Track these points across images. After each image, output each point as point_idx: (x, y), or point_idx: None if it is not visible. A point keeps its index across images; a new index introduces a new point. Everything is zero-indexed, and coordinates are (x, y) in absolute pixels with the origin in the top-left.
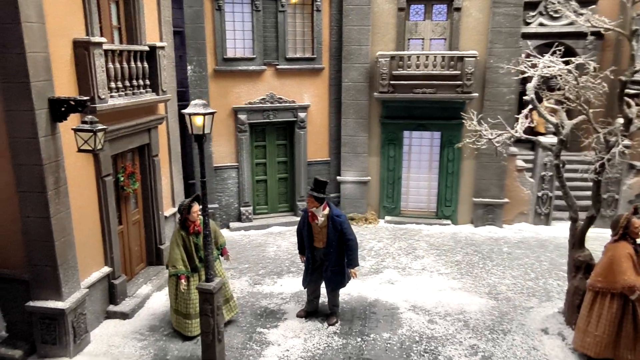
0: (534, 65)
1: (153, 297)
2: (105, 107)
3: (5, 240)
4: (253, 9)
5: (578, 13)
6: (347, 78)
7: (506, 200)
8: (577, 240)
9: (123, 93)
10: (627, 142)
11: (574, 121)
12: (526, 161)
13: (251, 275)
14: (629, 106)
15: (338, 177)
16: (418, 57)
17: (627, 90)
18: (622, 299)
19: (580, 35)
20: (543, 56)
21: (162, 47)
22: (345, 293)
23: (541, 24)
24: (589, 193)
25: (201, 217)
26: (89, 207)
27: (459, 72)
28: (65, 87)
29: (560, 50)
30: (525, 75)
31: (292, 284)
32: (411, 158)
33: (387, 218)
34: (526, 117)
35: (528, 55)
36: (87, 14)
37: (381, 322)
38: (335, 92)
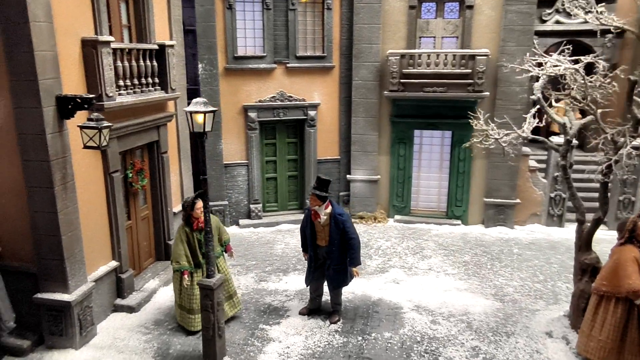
0: (539, 65)
1: (160, 291)
2: (113, 104)
3: (15, 234)
4: (264, 8)
5: (594, 11)
6: (357, 76)
7: (518, 200)
8: (584, 242)
9: (132, 91)
10: (637, 142)
11: (582, 121)
12: (539, 161)
13: (257, 272)
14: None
15: (348, 176)
16: (429, 55)
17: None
18: (627, 303)
19: (598, 33)
20: (550, 55)
21: (172, 46)
22: (349, 292)
23: (558, 22)
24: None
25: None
26: (97, 203)
27: (470, 70)
28: (73, 85)
29: (569, 49)
30: (541, 74)
31: (297, 282)
32: (422, 157)
33: (397, 217)
34: (534, 116)
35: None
36: (96, 14)
37: (383, 321)
38: (345, 90)
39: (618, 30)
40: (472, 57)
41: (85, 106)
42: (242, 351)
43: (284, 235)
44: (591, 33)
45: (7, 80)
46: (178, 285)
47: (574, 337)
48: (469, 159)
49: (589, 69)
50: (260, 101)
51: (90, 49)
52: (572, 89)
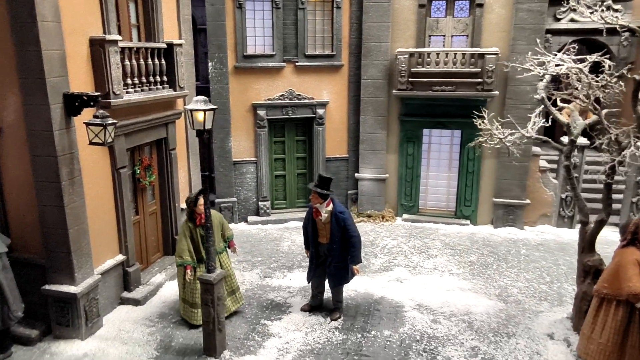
0: (541, 64)
1: (166, 285)
2: (120, 102)
3: (25, 227)
4: (273, 7)
5: (598, 10)
6: (366, 75)
7: (528, 201)
8: (587, 244)
9: (139, 89)
10: None
11: (587, 121)
12: (551, 162)
13: (262, 269)
14: None
15: (356, 174)
16: (437, 54)
17: None
18: (628, 306)
19: (614, 32)
20: (555, 54)
21: (180, 45)
22: (352, 289)
23: (572, 20)
24: (620, 196)
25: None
26: (105, 198)
27: (479, 69)
28: (81, 83)
29: (574, 47)
30: (541, 73)
31: (301, 279)
32: (430, 156)
33: (405, 216)
34: (538, 116)
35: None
36: (104, 13)
37: (384, 319)
38: (354, 89)
39: (624, 29)
40: (482, 55)
41: (91, 103)
42: (242, 345)
43: (291, 232)
44: (607, 31)
45: (17, 78)
46: (182, 280)
47: (576, 339)
48: (478, 159)
49: (598, 68)
50: (269, 99)
51: (97, 47)
52: (576, 88)
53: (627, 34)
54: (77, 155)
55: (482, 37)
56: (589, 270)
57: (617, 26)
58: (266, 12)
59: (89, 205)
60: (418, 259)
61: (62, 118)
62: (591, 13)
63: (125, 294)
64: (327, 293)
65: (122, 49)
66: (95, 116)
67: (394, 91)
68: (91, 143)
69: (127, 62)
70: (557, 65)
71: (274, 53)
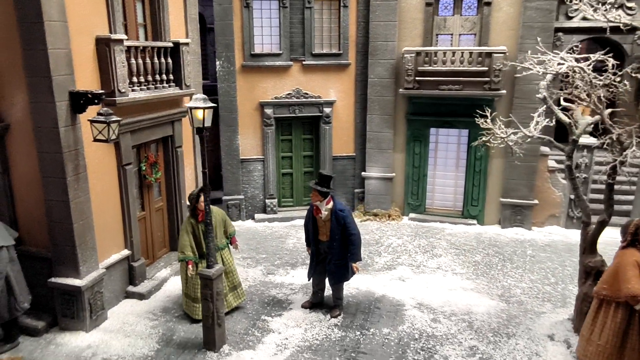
0: (540, 62)
1: (170, 280)
2: (125, 100)
3: (32, 221)
4: (280, 6)
5: (600, 7)
6: (373, 74)
7: (536, 201)
8: (589, 245)
9: (145, 87)
10: None
11: (589, 121)
12: (560, 162)
13: (266, 265)
14: None
15: (363, 173)
16: (444, 53)
17: None
18: (628, 308)
19: (628, 30)
20: (557, 53)
21: (186, 44)
22: (354, 287)
23: (584, 18)
24: (631, 197)
25: (211, 206)
26: (110, 194)
27: (486, 68)
28: (87, 81)
29: (577, 46)
30: (541, 72)
31: (304, 276)
32: (437, 155)
33: (411, 215)
34: (541, 115)
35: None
36: (110, 13)
37: (384, 317)
38: (361, 87)
39: (628, 27)
40: (489, 54)
41: (96, 101)
42: (241, 340)
43: (297, 230)
44: (619, 30)
45: (24, 76)
46: (184, 275)
47: (576, 340)
48: (485, 158)
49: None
50: (276, 98)
51: (103, 46)
52: (576, 87)
53: None
54: (83, 152)
55: (490, 35)
56: (590, 272)
57: (621, 25)
58: (273, 11)
59: (95, 200)
60: (422, 258)
61: (68, 115)
62: (594, 11)
63: (131, 288)
64: (329, 290)
65: (128, 47)
66: (99, 113)
67: (400, 90)
68: (95, 140)
69: (132, 60)
70: (559, 64)
71: (281, 52)
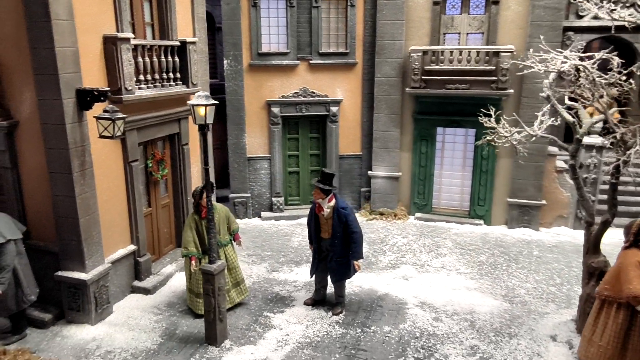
0: (542, 60)
1: (175, 276)
2: (132, 97)
3: (40, 216)
4: (287, 5)
5: (605, 5)
6: (379, 73)
7: (543, 202)
8: (592, 245)
9: (152, 85)
10: None
11: (593, 120)
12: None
13: (271, 263)
14: None
15: (369, 172)
16: (451, 52)
17: None
18: (630, 309)
19: (634, 29)
20: (560, 51)
21: (193, 42)
22: (357, 285)
23: (595, 17)
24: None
25: (214, 203)
26: (117, 190)
27: (494, 67)
28: (95, 79)
29: (582, 45)
30: (542, 70)
31: (308, 274)
32: (444, 155)
33: (417, 215)
34: (545, 114)
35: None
36: (117, 12)
37: (385, 315)
38: (368, 87)
39: (633, 26)
40: (496, 53)
41: (102, 98)
42: (243, 336)
43: (302, 228)
44: (633, 29)
45: (32, 74)
46: (188, 270)
47: (579, 341)
48: (492, 158)
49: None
50: (283, 97)
51: (110, 45)
52: (579, 86)
53: None
54: (89, 148)
55: (498, 34)
56: (594, 272)
57: (626, 23)
58: (280, 11)
59: (101, 196)
60: (426, 257)
61: (75, 112)
62: (599, 9)
63: (136, 283)
64: (331, 288)
65: (135, 46)
66: (105, 110)
67: (407, 89)
68: (101, 136)
69: (140, 59)
70: (562, 63)
71: (288, 51)
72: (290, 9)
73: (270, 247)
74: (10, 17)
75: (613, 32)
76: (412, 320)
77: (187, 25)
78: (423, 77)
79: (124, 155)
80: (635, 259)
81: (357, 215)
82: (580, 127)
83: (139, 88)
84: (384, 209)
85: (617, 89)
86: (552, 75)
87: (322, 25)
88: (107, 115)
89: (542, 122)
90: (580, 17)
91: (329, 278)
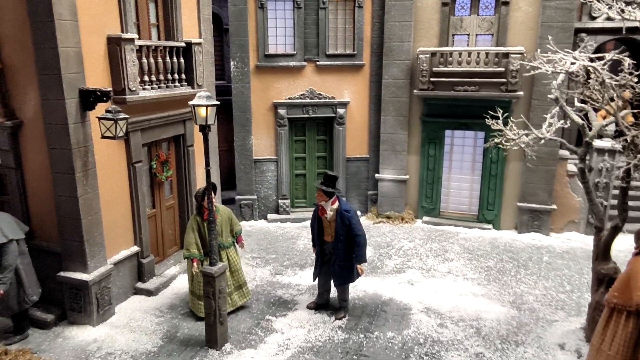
0: (549, 61)
1: (179, 278)
2: (135, 98)
3: (43, 216)
4: (295, 6)
5: (615, 5)
6: (387, 75)
7: (554, 207)
8: (601, 251)
9: (157, 86)
10: None
11: (603, 122)
12: None
13: (275, 266)
14: None
15: (376, 175)
16: (460, 53)
17: None
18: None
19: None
20: (569, 52)
21: (199, 44)
22: (361, 289)
23: (609, 18)
24: None
25: (216, 205)
26: (120, 190)
27: (503, 69)
28: (98, 79)
29: (591, 45)
30: (550, 71)
31: (311, 277)
32: (453, 158)
33: (425, 218)
34: (554, 116)
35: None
36: (122, 13)
37: (389, 321)
38: (375, 88)
39: None
40: (506, 55)
41: (104, 99)
42: (244, 339)
43: (308, 231)
44: None
45: (36, 74)
46: (190, 272)
47: (587, 350)
48: (502, 161)
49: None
50: (290, 98)
51: (114, 45)
52: (588, 87)
53: None
54: (92, 149)
55: (508, 35)
56: (603, 279)
57: (639, 23)
58: (287, 12)
59: (104, 197)
60: (433, 262)
61: (78, 112)
62: (609, 9)
63: (139, 285)
64: (333, 292)
65: (140, 47)
66: (107, 111)
67: (415, 91)
68: (103, 137)
69: (144, 60)
70: (572, 64)
71: (295, 52)
72: (297, 10)
73: (275, 249)
74: (15, 16)
75: (624, 33)
76: (417, 326)
77: (193, 26)
78: (431, 79)
79: (128, 156)
80: None
81: (363, 218)
82: (590, 129)
83: (143, 89)
84: (391, 213)
85: (629, 90)
86: (560, 77)
87: (330, 27)
88: (109, 115)
89: (550, 124)
90: (593, 18)
91: (332, 282)
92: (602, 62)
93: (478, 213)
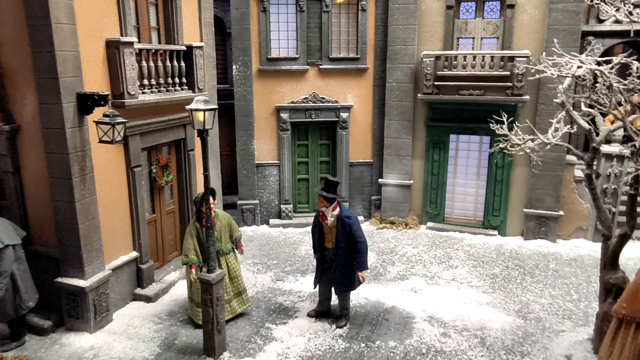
0: (555, 65)
1: (178, 284)
2: (134, 102)
3: (41, 221)
4: (297, 10)
5: (624, 8)
6: (391, 78)
7: (561, 213)
8: (609, 260)
9: (156, 90)
10: None
11: (611, 127)
12: None
13: (276, 272)
14: None
15: (380, 180)
16: (465, 57)
17: None
18: None
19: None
20: (575, 56)
21: (200, 47)
22: (363, 297)
23: (617, 21)
24: None
25: (215, 210)
26: (119, 195)
27: (508, 73)
28: (97, 83)
29: (598, 48)
30: (555, 75)
31: (312, 284)
32: (458, 163)
33: (429, 224)
34: (560, 121)
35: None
36: (121, 16)
37: (391, 330)
38: (379, 92)
39: None
40: (511, 58)
41: (102, 103)
42: (242, 348)
43: (311, 236)
44: None
45: (33, 78)
46: (189, 279)
47: None
48: (508, 166)
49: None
50: (292, 102)
51: (113, 49)
52: (595, 92)
53: None
54: (90, 153)
55: (514, 39)
56: (611, 289)
57: None
58: (290, 16)
59: (102, 202)
60: (437, 269)
61: (75, 117)
62: (617, 11)
63: (138, 291)
64: (334, 300)
65: (140, 50)
66: (105, 115)
67: (419, 95)
68: (100, 141)
69: (144, 63)
70: (578, 67)
71: (297, 56)
72: (300, 13)
73: (277, 255)
74: (13, 20)
75: (633, 35)
76: (419, 336)
77: (194, 29)
78: (435, 83)
79: (127, 161)
80: None
81: (367, 223)
82: (597, 135)
83: (143, 93)
84: (394, 218)
85: (637, 95)
86: (567, 81)
87: (333, 30)
88: (106, 119)
89: (557, 129)
90: (601, 21)
91: (333, 289)
92: (610, 65)
93: (483, 219)
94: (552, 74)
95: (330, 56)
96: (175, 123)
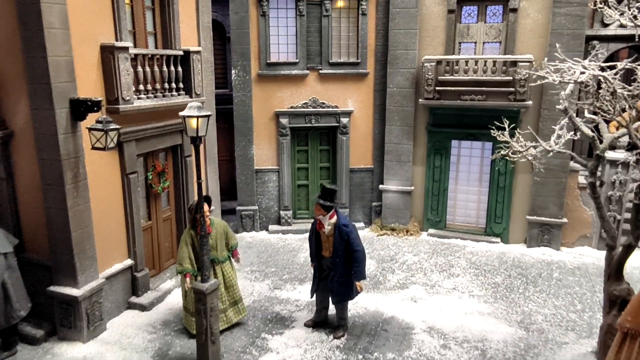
0: (557, 70)
1: (174, 292)
2: (129, 108)
3: (34, 228)
4: (297, 14)
5: (628, 12)
6: (392, 83)
7: (565, 220)
8: (614, 271)
9: (152, 95)
10: None
11: (615, 135)
12: None
13: (274, 280)
14: None
15: (381, 186)
16: (466, 62)
17: None
18: None
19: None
20: (578, 61)
21: (198, 52)
22: (362, 307)
23: (622, 26)
24: None
25: (211, 218)
26: (113, 202)
27: (511, 78)
28: (91, 88)
29: (602, 53)
30: (557, 81)
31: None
32: (459, 169)
33: (431, 231)
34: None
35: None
36: (116, 21)
37: (390, 341)
38: (380, 97)
39: None
40: (514, 63)
41: (95, 109)
42: (237, 359)
43: None
44: None
45: (26, 83)
46: (183, 288)
47: None
48: (510, 173)
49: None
50: (292, 107)
51: (107, 54)
52: (597, 98)
53: None
54: (83, 160)
55: (517, 43)
56: (616, 301)
57: None
58: (290, 20)
59: (96, 209)
60: (438, 277)
61: (68, 122)
62: (621, 15)
63: (133, 299)
64: (332, 309)
65: (135, 55)
66: (98, 121)
67: (420, 100)
68: (93, 148)
69: (139, 68)
70: (581, 73)
71: (297, 61)
72: (300, 18)
73: (275, 262)
74: (5, 25)
75: (638, 40)
76: (418, 347)
77: (192, 34)
78: (437, 88)
79: (122, 167)
80: None
81: (367, 230)
82: (601, 142)
83: (138, 98)
84: (395, 225)
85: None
86: (569, 87)
87: (333, 35)
88: (99, 126)
89: (559, 136)
90: (606, 25)
91: (330, 299)
92: (614, 71)
93: (486, 226)
94: (553, 80)
95: (330, 61)
96: (172, 129)
